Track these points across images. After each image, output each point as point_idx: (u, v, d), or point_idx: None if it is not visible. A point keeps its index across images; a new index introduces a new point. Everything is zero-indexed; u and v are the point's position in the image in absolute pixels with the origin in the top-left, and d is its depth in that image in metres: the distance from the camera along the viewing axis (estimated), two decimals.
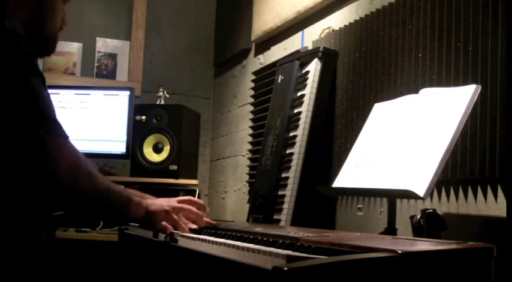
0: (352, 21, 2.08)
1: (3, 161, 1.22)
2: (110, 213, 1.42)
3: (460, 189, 1.56)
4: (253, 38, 3.02)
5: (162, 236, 1.49)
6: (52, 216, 1.42)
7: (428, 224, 1.37)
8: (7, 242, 1.26)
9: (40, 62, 2.82)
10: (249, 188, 2.84)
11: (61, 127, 1.27)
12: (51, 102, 1.29)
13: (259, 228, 1.35)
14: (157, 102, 3.23)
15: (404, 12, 1.78)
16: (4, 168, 1.22)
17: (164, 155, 3.03)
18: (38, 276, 1.32)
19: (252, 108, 2.89)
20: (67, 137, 1.27)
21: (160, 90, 3.26)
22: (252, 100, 2.91)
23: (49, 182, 1.21)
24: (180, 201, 1.55)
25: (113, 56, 3.57)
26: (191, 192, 2.96)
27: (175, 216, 1.49)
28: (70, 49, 3.50)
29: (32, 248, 1.31)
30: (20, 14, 1.38)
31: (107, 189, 1.34)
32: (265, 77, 2.75)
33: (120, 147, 3.01)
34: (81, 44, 3.53)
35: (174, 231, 1.44)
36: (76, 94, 3.10)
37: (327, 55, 2.12)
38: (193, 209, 1.57)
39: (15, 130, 1.21)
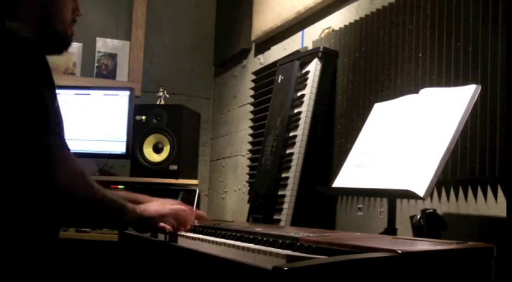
0: (352, 21, 2.08)
1: (4, 167, 1.24)
2: (105, 220, 1.46)
3: (460, 189, 1.56)
4: (253, 38, 3.02)
5: (162, 236, 1.49)
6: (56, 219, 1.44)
7: (428, 224, 1.37)
8: (11, 243, 1.27)
9: None
10: (249, 188, 2.84)
11: (62, 138, 1.32)
12: (59, 112, 1.33)
13: (259, 228, 1.35)
14: (157, 102, 3.23)
15: (404, 12, 1.78)
16: (5, 175, 1.25)
17: (164, 155, 3.03)
18: (38, 276, 1.33)
19: (252, 108, 2.89)
20: (67, 147, 1.32)
21: (160, 90, 3.26)
22: (252, 100, 2.91)
23: (48, 190, 1.25)
24: (173, 209, 1.55)
25: (113, 56, 3.57)
26: (191, 192, 2.96)
27: (172, 220, 1.50)
28: (70, 49, 3.46)
29: (35, 250, 1.33)
30: (28, 15, 1.41)
31: (102, 198, 1.37)
32: (265, 77, 2.75)
33: (120, 147, 3.01)
34: (81, 44, 3.52)
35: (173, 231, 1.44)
36: (76, 94, 3.10)
37: (327, 55, 2.12)
38: (189, 217, 1.58)
39: (18, 139, 1.24)
